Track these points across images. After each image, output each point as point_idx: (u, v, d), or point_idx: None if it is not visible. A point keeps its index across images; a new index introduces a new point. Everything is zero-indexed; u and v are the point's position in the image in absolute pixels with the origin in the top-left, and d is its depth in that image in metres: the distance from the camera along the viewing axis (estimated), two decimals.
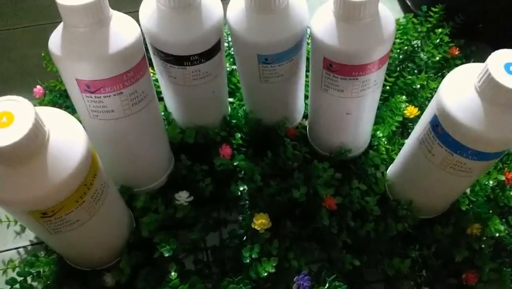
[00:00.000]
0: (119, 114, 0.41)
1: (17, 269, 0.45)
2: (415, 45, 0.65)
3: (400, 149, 0.51)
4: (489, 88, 0.34)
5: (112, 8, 0.38)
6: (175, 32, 0.41)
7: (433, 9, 0.66)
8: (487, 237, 0.47)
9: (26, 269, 0.44)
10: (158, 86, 0.52)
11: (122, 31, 0.38)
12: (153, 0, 0.41)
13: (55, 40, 0.38)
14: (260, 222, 0.45)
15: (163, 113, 0.54)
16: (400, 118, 0.54)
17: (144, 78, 0.41)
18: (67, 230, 0.36)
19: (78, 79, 0.38)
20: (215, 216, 0.51)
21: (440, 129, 0.38)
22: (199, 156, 0.52)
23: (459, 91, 0.36)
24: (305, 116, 0.58)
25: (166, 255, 0.43)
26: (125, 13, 0.40)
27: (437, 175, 0.42)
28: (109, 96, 0.39)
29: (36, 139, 0.29)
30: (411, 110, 0.55)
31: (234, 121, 0.56)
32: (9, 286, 0.43)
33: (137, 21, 0.41)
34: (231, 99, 0.58)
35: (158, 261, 0.44)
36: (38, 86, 0.57)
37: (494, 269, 0.45)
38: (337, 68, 0.42)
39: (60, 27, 0.38)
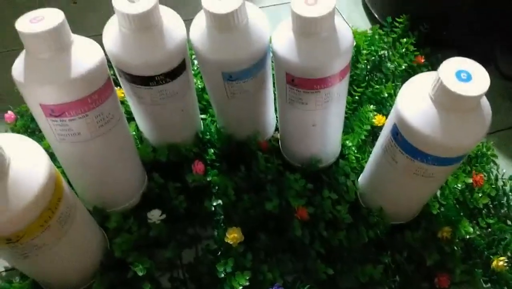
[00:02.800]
0: (86, 137, 0.42)
1: None
2: (382, 55, 0.67)
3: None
4: (442, 96, 0.35)
5: (75, 32, 0.39)
6: (138, 53, 0.42)
7: (397, 19, 0.68)
8: (458, 240, 0.48)
9: None
10: (128, 106, 0.53)
11: (84, 55, 0.39)
12: (115, 23, 0.42)
13: (18, 67, 0.38)
14: (233, 236, 0.45)
15: (134, 132, 0.55)
16: (369, 127, 0.56)
17: (110, 100, 0.42)
18: (35, 254, 0.36)
19: (42, 104, 0.39)
20: (190, 232, 0.51)
21: (400, 137, 0.39)
22: (172, 173, 0.52)
23: (415, 100, 0.38)
24: (277, 128, 0.59)
25: (140, 274, 0.43)
26: (90, 36, 0.40)
27: (402, 181, 0.43)
28: (74, 119, 0.40)
29: None
30: (379, 119, 0.56)
31: (207, 137, 0.56)
32: None
33: (101, 44, 0.42)
34: (203, 116, 0.59)
35: (133, 281, 0.44)
36: (9, 112, 0.57)
37: (465, 271, 0.46)
38: (299, 82, 0.43)
39: (22, 53, 0.38)
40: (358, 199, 0.52)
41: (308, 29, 0.40)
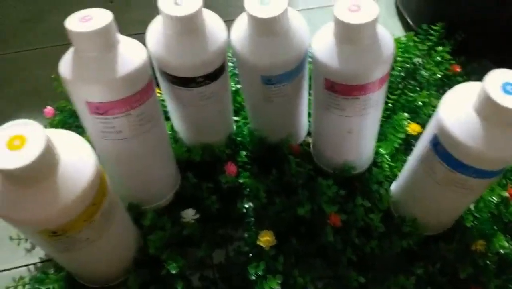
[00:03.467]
0: (127, 135, 0.42)
1: (27, 287, 0.46)
2: (417, 63, 0.66)
3: (403, 166, 0.52)
4: (487, 108, 0.35)
5: (120, 31, 0.40)
6: (181, 55, 0.43)
7: (433, 27, 0.67)
8: (492, 254, 0.47)
9: (36, 286, 0.45)
10: (165, 106, 0.53)
11: (130, 54, 0.40)
12: (159, 25, 0.43)
13: (65, 64, 0.39)
14: (266, 239, 0.45)
15: (170, 132, 0.56)
16: (403, 136, 0.55)
17: (151, 100, 0.42)
18: (77, 248, 0.37)
19: (87, 101, 0.40)
20: (221, 232, 0.51)
21: (441, 147, 0.39)
22: (205, 173, 0.53)
23: (458, 110, 0.37)
24: (309, 133, 0.59)
25: (173, 272, 0.44)
26: (132, 35, 0.41)
27: (439, 192, 0.43)
28: (118, 117, 0.41)
29: (47, 162, 0.30)
30: (413, 128, 0.56)
31: (239, 139, 0.57)
32: None
33: (144, 44, 0.43)
34: (236, 118, 0.59)
35: (165, 278, 0.44)
36: (48, 107, 0.59)
37: (499, 286, 0.45)
38: (338, 89, 0.43)
39: (70, 51, 0.39)
40: (390, 208, 0.52)
41: (351, 36, 0.40)
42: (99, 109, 0.40)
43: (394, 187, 0.52)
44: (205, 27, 0.43)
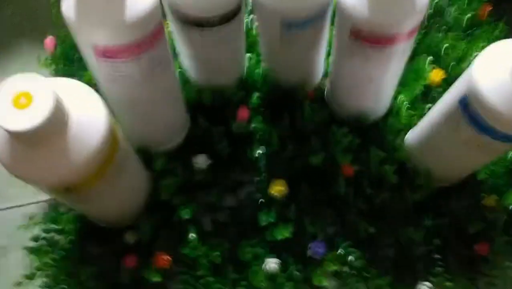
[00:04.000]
0: (137, 79, 0.40)
1: (41, 226, 0.46)
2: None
3: (422, 115, 0.50)
4: None
5: None
6: None
7: None
8: (502, 209, 0.47)
9: (50, 225, 0.46)
10: (173, 43, 0.50)
11: None
12: None
13: (69, 4, 0.35)
14: (278, 188, 0.45)
15: (179, 70, 0.53)
16: (425, 82, 0.52)
17: (162, 43, 0.39)
18: (90, 200, 0.36)
19: (94, 44, 0.37)
20: (233, 177, 0.51)
21: (471, 110, 0.37)
22: (216, 116, 0.51)
23: (493, 74, 0.35)
24: (326, 73, 0.56)
25: (186, 217, 0.44)
26: None
27: (461, 151, 0.42)
28: (126, 62, 0.38)
29: (56, 122, 0.28)
30: (436, 73, 0.53)
31: (252, 80, 0.54)
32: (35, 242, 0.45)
33: None
34: (249, 54, 0.55)
35: (177, 224, 0.45)
36: (49, 37, 0.55)
37: (508, 242, 0.46)
38: (365, 37, 0.40)
39: None
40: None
41: None
42: (107, 53, 0.37)
43: (410, 135, 0.51)
44: None
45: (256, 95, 0.53)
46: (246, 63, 0.54)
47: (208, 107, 0.52)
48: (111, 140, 0.33)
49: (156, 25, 0.38)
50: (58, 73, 0.54)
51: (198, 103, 0.52)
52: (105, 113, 0.32)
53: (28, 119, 0.27)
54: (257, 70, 0.54)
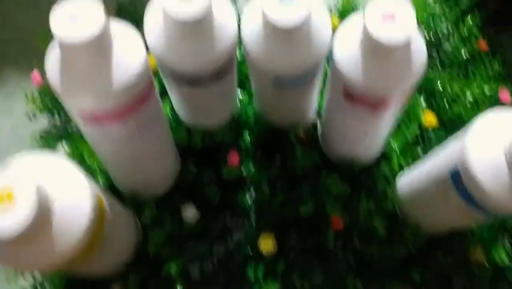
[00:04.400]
0: (124, 139, 0.39)
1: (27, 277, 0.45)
2: (442, 34, 0.60)
3: (415, 158, 0.50)
4: None
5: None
6: (184, 56, 0.37)
7: None
8: (489, 264, 0.47)
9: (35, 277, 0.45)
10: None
11: (127, 57, 0.34)
12: (159, 14, 0.36)
13: (52, 68, 0.34)
14: (266, 244, 0.45)
15: (169, 112, 0.51)
16: (417, 128, 0.52)
17: (151, 104, 0.38)
18: (77, 268, 0.35)
19: (80, 109, 0.35)
20: (222, 224, 0.50)
21: (461, 184, 0.36)
22: (206, 159, 0.50)
23: (487, 150, 0.34)
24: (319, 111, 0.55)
25: (173, 273, 0.44)
26: None
27: (451, 213, 0.42)
28: (113, 125, 0.37)
29: (39, 220, 0.27)
30: (430, 120, 0.52)
31: (243, 117, 0.53)
32: None
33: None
34: (240, 90, 0.54)
35: (165, 278, 0.45)
36: (35, 71, 0.53)
37: None
38: (359, 99, 0.39)
39: (55, 47, 0.34)
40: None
41: (382, 52, 0.35)
42: (93, 117, 0.36)
43: (402, 181, 0.50)
44: (213, 22, 0.37)
45: (248, 138, 0.52)
46: (238, 102, 0.53)
47: (198, 150, 0.51)
48: (98, 218, 0.32)
49: (145, 88, 0.36)
50: (44, 109, 0.53)
51: (188, 145, 0.51)
52: (89, 195, 0.31)
53: (9, 226, 0.26)
54: (249, 109, 0.53)
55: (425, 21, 0.59)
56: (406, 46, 0.35)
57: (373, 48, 0.35)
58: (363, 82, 0.37)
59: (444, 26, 0.59)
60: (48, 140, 0.50)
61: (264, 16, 0.35)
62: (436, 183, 0.41)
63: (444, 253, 0.47)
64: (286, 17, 0.34)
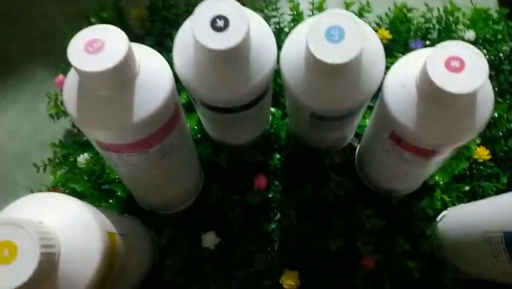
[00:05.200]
0: (145, 167, 0.36)
1: None
2: (505, 53, 0.53)
3: (460, 195, 0.46)
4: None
5: None
6: (217, 88, 0.33)
7: None
8: None
9: None
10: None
11: (151, 88, 0.31)
12: (190, 44, 0.32)
13: (69, 97, 0.31)
14: (289, 283, 0.42)
15: (196, 125, 0.48)
16: (467, 164, 0.47)
17: (175, 132, 0.35)
18: None
19: (98, 141, 0.32)
20: (242, 248, 0.47)
21: None
22: (231, 180, 0.47)
23: None
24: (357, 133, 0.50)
25: None
26: None
27: (495, 272, 0.37)
28: (133, 155, 0.34)
29: (43, 272, 0.25)
30: (481, 153, 0.47)
31: (273, 133, 0.49)
32: None
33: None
34: (273, 109, 0.50)
35: None
36: (60, 76, 0.49)
37: None
38: (408, 146, 0.34)
39: (74, 78, 0.31)
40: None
41: (445, 102, 0.30)
42: (111, 148, 0.33)
43: (444, 221, 0.46)
44: (250, 53, 0.32)
45: (277, 156, 0.48)
46: (270, 119, 0.49)
47: (223, 168, 0.47)
48: (110, 257, 0.30)
49: (170, 117, 0.33)
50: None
51: (213, 162, 0.48)
52: (99, 238, 0.29)
53: (9, 282, 0.24)
54: (281, 124, 0.49)
55: (481, 35, 0.53)
56: (472, 96, 0.30)
57: (433, 96, 0.30)
58: (418, 133, 0.32)
59: (508, 48, 0.52)
60: (68, 148, 0.48)
61: (309, 52, 0.30)
62: (485, 239, 0.36)
63: None
64: (337, 53, 0.30)
